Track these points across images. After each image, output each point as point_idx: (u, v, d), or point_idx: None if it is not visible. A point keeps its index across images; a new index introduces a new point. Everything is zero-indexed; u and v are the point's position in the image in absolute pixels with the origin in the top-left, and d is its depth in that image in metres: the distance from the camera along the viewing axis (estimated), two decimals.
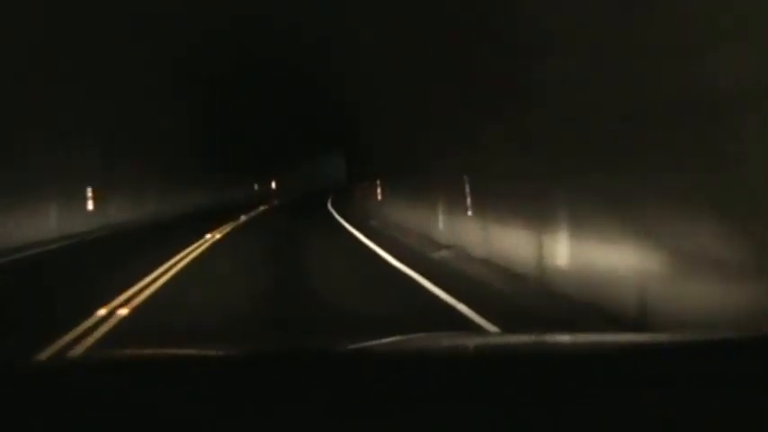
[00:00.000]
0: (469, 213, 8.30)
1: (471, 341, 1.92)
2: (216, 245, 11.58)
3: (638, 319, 4.40)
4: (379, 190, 16.93)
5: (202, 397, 1.05)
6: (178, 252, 9.82)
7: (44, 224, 13.62)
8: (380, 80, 13.39)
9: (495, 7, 6.67)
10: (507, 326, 4.71)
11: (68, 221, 14.89)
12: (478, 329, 4.71)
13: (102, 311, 5.59)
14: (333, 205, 26.44)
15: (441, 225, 10.01)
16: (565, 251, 5.66)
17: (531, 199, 6.36)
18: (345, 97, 18.97)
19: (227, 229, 14.97)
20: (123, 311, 5.66)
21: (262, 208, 24.71)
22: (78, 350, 4.46)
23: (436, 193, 10.23)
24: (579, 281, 5.41)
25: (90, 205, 16.43)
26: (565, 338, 1.75)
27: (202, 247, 10.91)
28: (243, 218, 18.91)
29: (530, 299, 5.78)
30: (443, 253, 8.90)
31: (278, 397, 1.05)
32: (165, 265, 8.42)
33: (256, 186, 44.96)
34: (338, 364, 1.32)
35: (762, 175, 3.44)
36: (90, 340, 4.73)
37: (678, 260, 4.14)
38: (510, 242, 7.00)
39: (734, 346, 1.35)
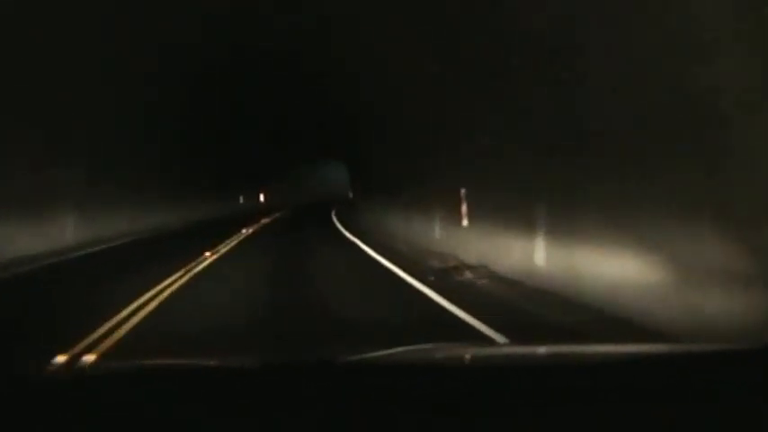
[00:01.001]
0: None
1: (478, 352, 1.90)
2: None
3: None
4: (463, 208, 8.86)
5: (206, 407, 1.04)
6: None
7: None
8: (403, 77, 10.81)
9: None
10: None
11: None
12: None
13: None
14: (346, 226, 18.35)
15: None
16: None
17: None
18: (350, 98, 16.36)
19: (170, 287, 6.98)
20: None
21: (244, 231, 16.49)
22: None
23: None
24: None
25: None
26: (569, 349, 1.76)
27: None
28: (207, 256, 10.64)
29: None
30: None
31: (283, 408, 1.05)
32: None
33: (242, 199, 37.16)
34: (343, 375, 1.30)
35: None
36: None
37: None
38: None
39: (738, 356, 1.35)
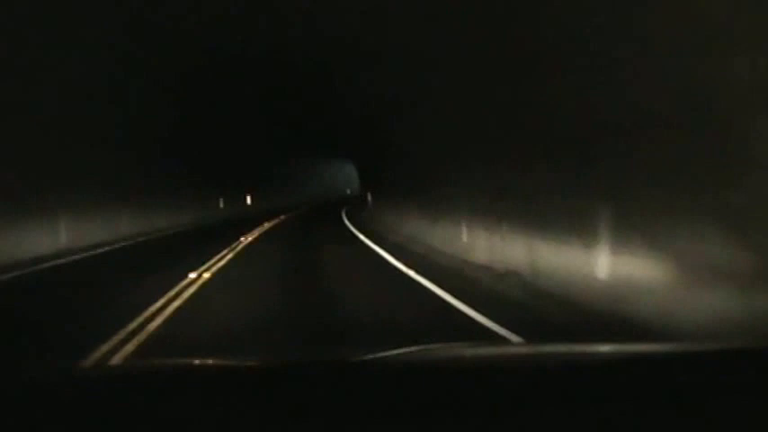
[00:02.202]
0: None
1: (491, 351, 1.89)
2: None
3: None
4: None
5: (216, 406, 1.04)
6: None
7: None
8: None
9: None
10: None
11: None
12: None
13: None
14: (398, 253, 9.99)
15: None
16: None
17: None
18: (359, 88, 14.14)
19: None
20: None
21: (192, 278, 7.90)
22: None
23: None
24: None
25: None
26: (580, 349, 1.72)
27: None
28: None
29: None
30: None
31: (298, 407, 1.05)
32: None
33: (222, 203, 28.95)
34: (356, 375, 1.30)
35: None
36: None
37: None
38: None
39: (747, 355, 1.35)
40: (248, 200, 35.16)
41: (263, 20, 11.44)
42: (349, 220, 21.20)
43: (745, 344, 1.59)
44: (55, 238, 11.63)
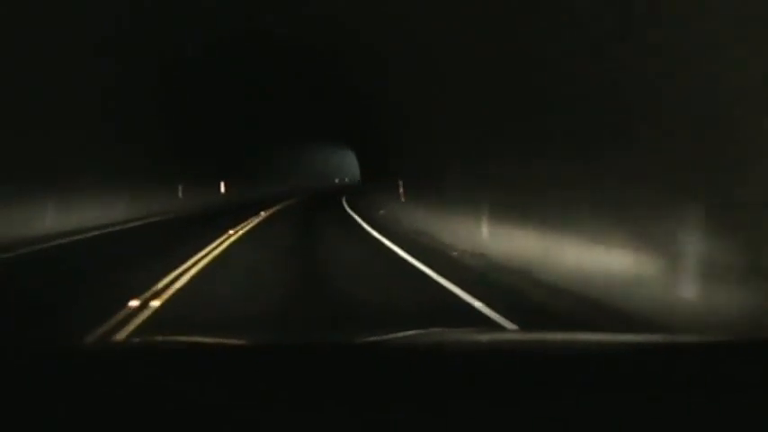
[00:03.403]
0: None
1: (487, 338, 1.91)
2: None
3: None
4: None
5: (224, 385, 1.05)
6: None
7: None
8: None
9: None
10: None
11: None
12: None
13: None
14: None
15: None
16: None
17: None
18: (357, 68, 14.18)
19: None
20: None
21: None
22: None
23: None
24: None
25: None
26: (581, 337, 1.74)
27: None
28: None
29: None
30: None
31: (294, 389, 1.05)
32: None
33: (181, 192, 21.59)
34: (352, 357, 1.30)
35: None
36: None
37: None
38: None
39: (744, 348, 1.35)
40: (222, 188, 28.09)
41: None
42: (394, 239, 13.45)
43: (740, 337, 1.61)
44: None
